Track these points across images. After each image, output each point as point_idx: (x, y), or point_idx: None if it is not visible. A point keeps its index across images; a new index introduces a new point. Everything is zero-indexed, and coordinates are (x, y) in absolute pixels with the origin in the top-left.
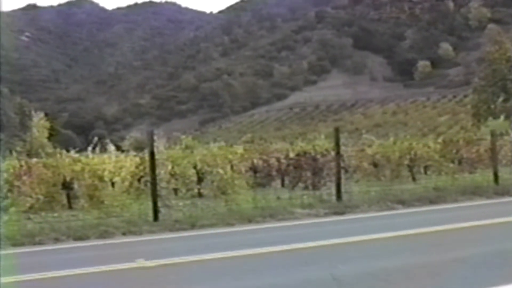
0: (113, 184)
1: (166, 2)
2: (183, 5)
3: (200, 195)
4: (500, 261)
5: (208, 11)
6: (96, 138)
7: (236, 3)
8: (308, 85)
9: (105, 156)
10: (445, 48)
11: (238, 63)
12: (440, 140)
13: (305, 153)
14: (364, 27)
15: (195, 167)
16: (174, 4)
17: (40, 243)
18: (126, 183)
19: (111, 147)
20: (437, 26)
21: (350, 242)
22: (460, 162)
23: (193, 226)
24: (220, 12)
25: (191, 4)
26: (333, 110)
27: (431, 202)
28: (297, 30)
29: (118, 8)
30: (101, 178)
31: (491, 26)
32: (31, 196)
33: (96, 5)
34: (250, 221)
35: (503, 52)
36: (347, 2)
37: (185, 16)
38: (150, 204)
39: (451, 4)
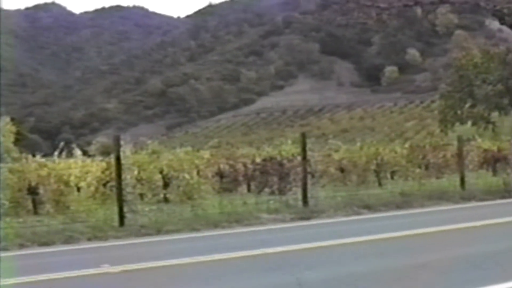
0: (79, 189)
1: (134, 7)
2: (151, 9)
3: (166, 200)
4: (466, 265)
5: (175, 16)
6: (62, 143)
7: (204, 8)
8: (275, 90)
9: (71, 161)
10: (412, 54)
11: (205, 68)
12: (407, 145)
13: (271, 158)
14: (331, 33)
15: (161, 172)
16: (142, 8)
17: (4, 249)
18: (92, 188)
19: (78, 152)
20: (405, 32)
21: (316, 247)
22: (427, 167)
23: (159, 232)
24: (188, 16)
25: (159, 8)
26: (300, 115)
27: (398, 207)
28: (264, 35)
29: (86, 12)
30: (67, 183)
31: (458, 32)
32: None
33: (64, 9)
34: (216, 226)
35: (470, 58)
36: (314, 7)
37: (152, 21)
38: (116, 209)
39: (418, 10)
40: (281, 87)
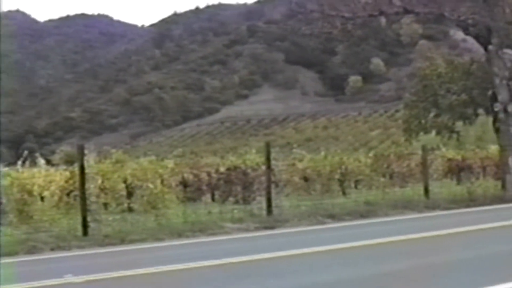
0: (42, 198)
1: (98, 15)
2: (115, 18)
3: (130, 209)
4: (431, 274)
5: (139, 24)
6: (26, 152)
7: (168, 17)
8: (239, 99)
9: (35, 170)
10: (377, 63)
11: (170, 77)
12: (371, 154)
13: (235, 167)
14: (295, 42)
15: (125, 182)
16: (106, 16)
17: None
18: (56, 198)
19: (41, 161)
20: (369, 42)
21: (280, 256)
22: (391, 177)
23: (122, 241)
24: (152, 25)
25: (123, 17)
26: (265, 124)
27: (362, 216)
28: (228, 44)
29: (50, 20)
30: (30, 193)
31: (422, 42)
32: None
33: (28, 16)
34: (180, 235)
35: (434, 68)
36: (279, 16)
37: (116, 29)
38: (79, 218)
39: (383, 20)
40: (245, 96)
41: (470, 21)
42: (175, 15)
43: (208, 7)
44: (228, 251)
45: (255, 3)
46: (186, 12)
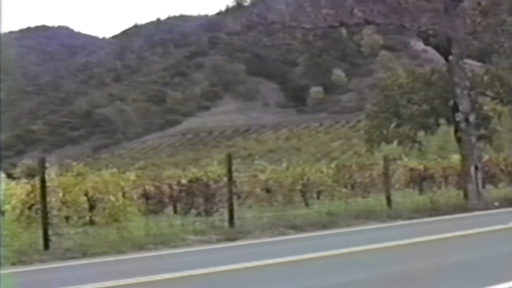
0: (3, 212)
1: (59, 27)
2: (76, 29)
3: (92, 222)
4: (394, 283)
5: (100, 36)
6: None
7: (129, 28)
8: (201, 111)
9: None
10: (338, 74)
11: (131, 89)
12: (333, 165)
13: (197, 179)
14: (256, 53)
15: (86, 195)
16: (67, 28)
17: None
18: (17, 211)
19: (2, 175)
20: (330, 53)
21: (242, 268)
22: (353, 187)
23: (84, 255)
24: (113, 37)
25: (84, 28)
26: (226, 136)
27: (324, 227)
28: (189, 55)
29: (10, 32)
30: None
31: (383, 52)
32: None
33: None
34: (142, 248)
35: (395, 78)
36: (240, 28)
37: (78, 41)
38: (40, 232)
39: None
40: (207, 108)
41: (430, 32)
42: (136, 26)
43: (169, 18)
44: (190, 264)
45: (216, 14)
46: (147, 24)
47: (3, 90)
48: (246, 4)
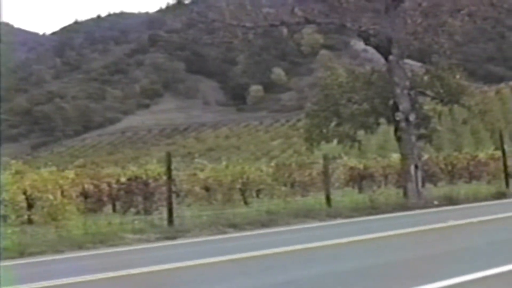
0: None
1: None
2: (16, 25)
3: (30, 221)
4: (333, 282)
5: (41, 33)
6: None
7: (69, 25)
8: (141, 109)
9: None
10: (278, 73)
11: (71, 86)
12: (272, 164)
13: (136, 177)
14: (197, 52)
15: (25, 193)
16: (7, 24)
17: None
18: None
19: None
20: (270, 52)
21: (181, 267)
22: (292, 186)
23: (21, 254)
24: (53, 33)
25: (24, 24)
26: (166, 134)
27: (263, 225)
28: (130, 53)
29: None
30: None
31: (323, 52)
32: None
33: None
34: (80, 247)
35: (335, 77)
36: (180, 26)
37: (17, 37)
38: None
39: (284, 30)
40: (147, 106)
41: (371, 32)
42: (76, 23)
43: (109, 15)
44: (128, 263)
45: (157, 12)
46: (87, 20)
47: None
48: (186, 2)
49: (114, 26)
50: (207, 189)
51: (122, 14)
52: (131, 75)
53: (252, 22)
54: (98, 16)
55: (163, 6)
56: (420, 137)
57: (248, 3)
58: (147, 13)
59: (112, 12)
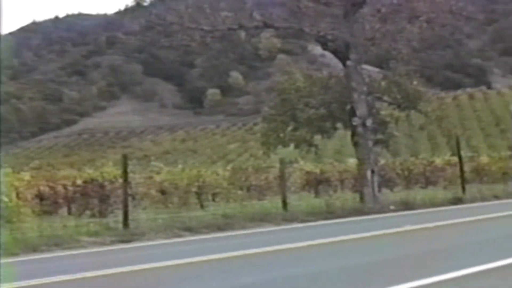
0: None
1: None
2: None
3: None
4: (288, 286)
5: None
6: None
7: (27, 25)
8: (97, 111)
9: None
10: (235, 77)
11: (28, 87)
12: (229, 167)
13: (92, 180)
14: (154, 54)
15: None
16: None
17: None
18: None
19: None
20: (228, 55)
21: (135, 270)
22: (249, 189)
23: None
24: (10, 33)
25: None
26: (123, 136)
27: (219, 229)
28: (87, 55)
29: None
30: None
31: (281, 56)
32: None
33: None
34: (35, 250)
35: (293, 82)
36: (138, 28)
37: None
38: None
39: (242, 34)
40: (103, 108)
41: (329, 37)
42: (34, 23)
43: (67, 16)
44: (83, 266)
45: (115, 13)
46: (45, 21)
47: None
48: (145, 4)
49: (72, 27)
50: (163, 192)
51: (80, 15)
52: (89, 76)
53: (210, 25)
54: (56, 17)
55: (122, 8)
56: (377, 142)
57: (207, 7)
58: (105, 14)
59: (70, 13)
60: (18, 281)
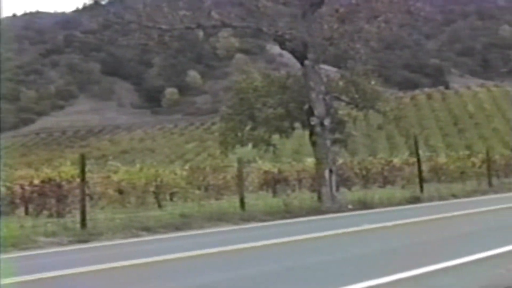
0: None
1: None
2: None
3: None
4: (246, 285)
5: None
6: None
7: None
8: (55, 110)
9: None
10: (193, 76)
11: None
12: (187, 167)
13: (50, 180)
14: (112, 53)
15: None
16: None
17: None
18: None
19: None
20: (186, 54)
21: (93, 270)
22: (206, 189)
23: None
24: None
25: None
26: (80, 136)
27: (177, 228)
28: (45, 53)
29: None
30: None
31: (239, 56)
32: None
33: None
34: None
35: (251, 81)
36: (96, 27)
37: None
38: None
39: (200, 33)
40: (61, 107)
41: (287, 36)
42: None
43: (25, 14)
44: (40, 266)
45: (73, 12)
46: (2, 19)
47: None
48: (103, 2)
49: (29, 25)
50: (120, 192)
51: (37, 14)
52: (46, 75)
53: (168, 24)
54: (14, 15)
55: (80, 6)
56: (335, 141)
57: (165, 6)
58: (63, 13)
59: (28, 11)
60: None
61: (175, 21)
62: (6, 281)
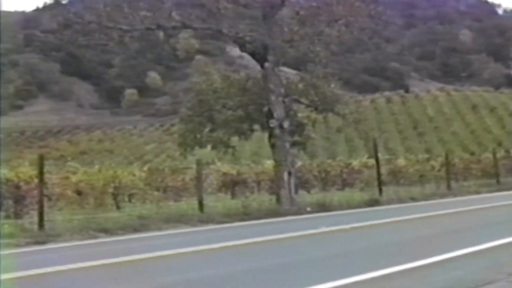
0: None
1: None
2: None
3: None
4: (204, 286)
5: None
6: None
7: None
8: (14, 110)
9: None
10: (153, 77)
11: None
12: (145, 168)
13: (8, 180)
14: (72, 53)
15: None
16: None
17: None
18: None
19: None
20: (146, 55)
21: (50, 272)
22: (165, 190)
23: None
24: None
25: None
26: (39, 136)
27: (135, 230)
28: (4, 52)
29: None
30: None
31: (198, 57)
32: None
33: None
34: None
35: (210, 83)
36: (56, 26)
37: None
38: None
39: (161, 34)
40: (20, 107)
41: (247, 38)
42: None
43: None
44: None
45: (33, 11)
46: None
47: None
48: (64, 2)
49: None
50: (79, 193)
51: None
52: (6, 75)
53: (128, 25)
54: None
55: (40, 5)
56: (294, 144)
57: (125, 6)
58: (23, 12)
59: None
60: None
61: (136, 21)
62: None
